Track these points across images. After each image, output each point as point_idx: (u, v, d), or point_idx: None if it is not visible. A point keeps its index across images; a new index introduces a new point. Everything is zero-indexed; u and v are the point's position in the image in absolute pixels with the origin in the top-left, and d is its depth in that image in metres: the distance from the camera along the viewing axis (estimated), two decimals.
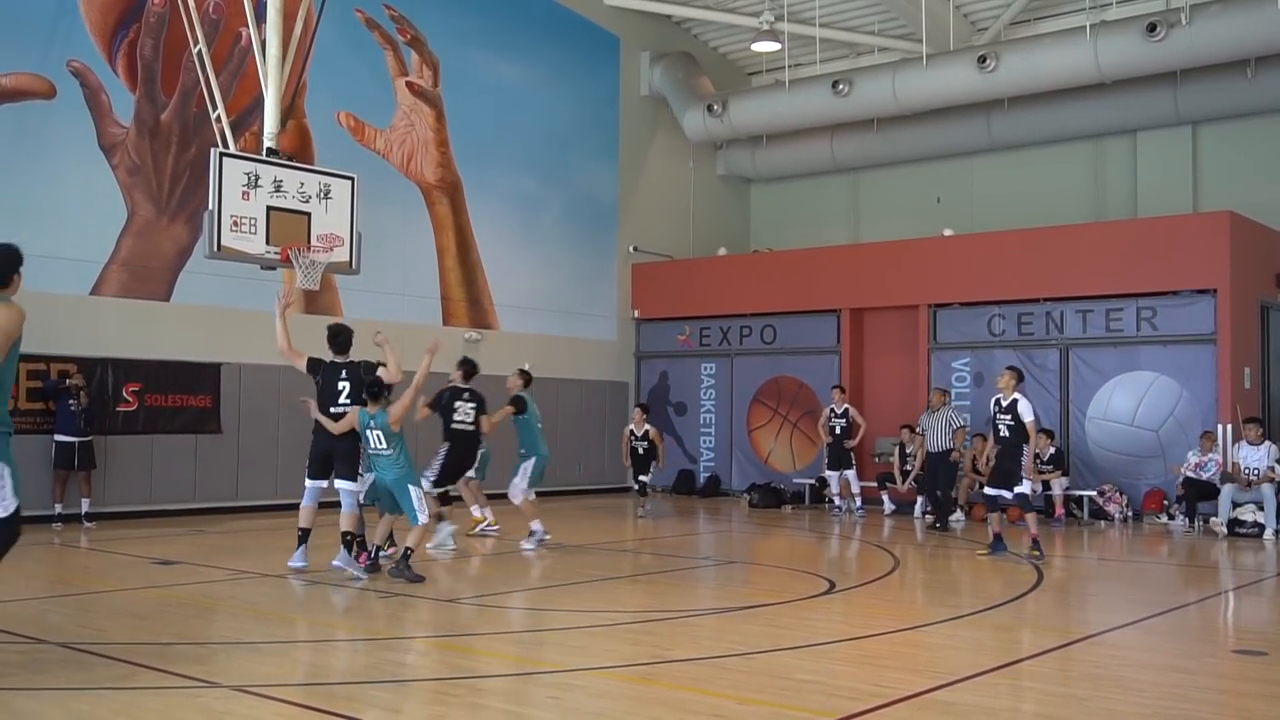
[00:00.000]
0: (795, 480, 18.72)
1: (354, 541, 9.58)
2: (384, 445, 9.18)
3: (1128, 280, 16.28)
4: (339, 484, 9.70)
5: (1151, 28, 16.54)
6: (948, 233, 18.73)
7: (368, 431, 9.24)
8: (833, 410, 17.16)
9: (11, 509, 5.57)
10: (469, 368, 12.03)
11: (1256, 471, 14.06)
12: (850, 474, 16.98)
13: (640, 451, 16.53)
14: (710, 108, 20.84)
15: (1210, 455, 14.75)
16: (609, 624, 7.94)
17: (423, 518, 9.19)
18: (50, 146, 13.84)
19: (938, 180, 21.32)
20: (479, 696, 5.89)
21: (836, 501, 17.08)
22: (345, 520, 9.59)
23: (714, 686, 5.97)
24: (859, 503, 16.70)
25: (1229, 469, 14.50)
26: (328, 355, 9.91)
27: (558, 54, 20.01)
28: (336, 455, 9.67)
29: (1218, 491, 14.39)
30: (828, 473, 17.23)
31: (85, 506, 13.45)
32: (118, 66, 14.49)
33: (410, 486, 9.21)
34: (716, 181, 23.33)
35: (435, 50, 17.99)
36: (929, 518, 15.67)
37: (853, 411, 17.05)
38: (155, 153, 14.77)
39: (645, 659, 6.80)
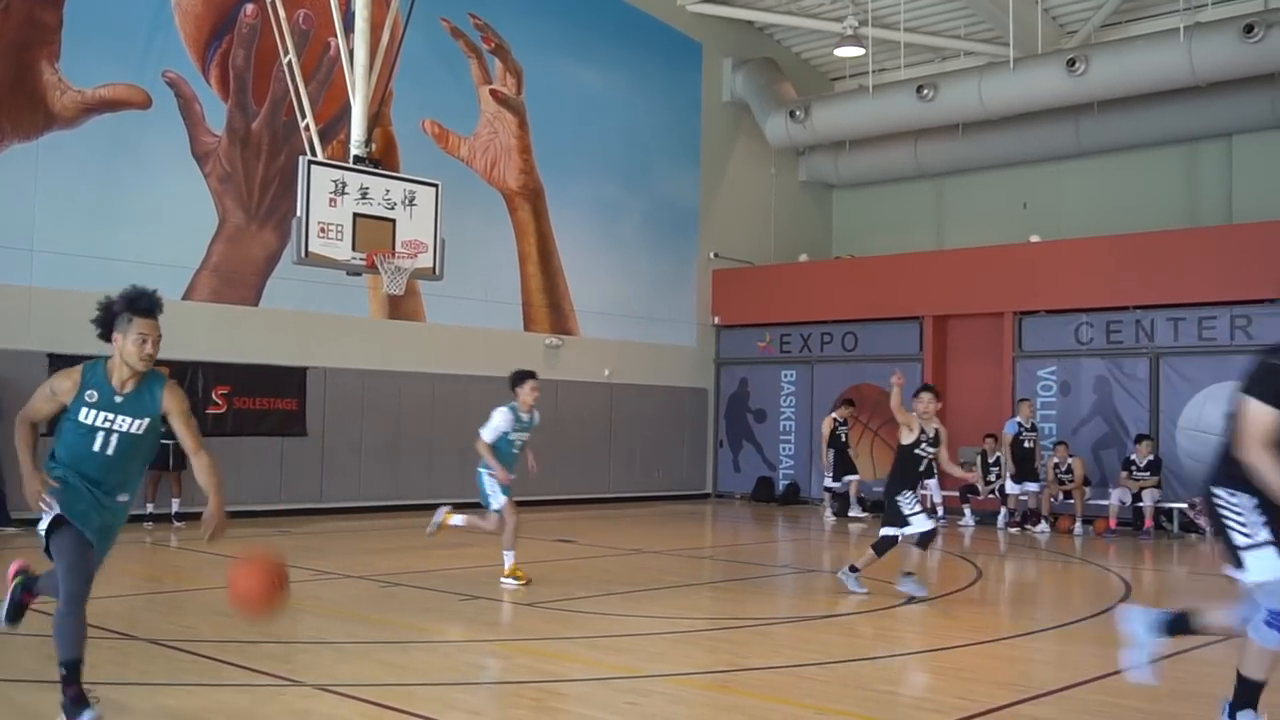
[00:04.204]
0: (875, 489, 18.49)
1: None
2: None
3: (1222, 287, 15.86)
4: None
5: (1249, 28, 16.09)
6: (1034, 239, 18.41)
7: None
8: None
9: None
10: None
11: None
12: (931, 484, 16.76)
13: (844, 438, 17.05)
14: (792, 113, 20.73)
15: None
16: (687, 630, 7.93)
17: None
18: (146, 155, 14.20)
19: (1024, 186, 20.97)
20: (557, 700, 5.92)
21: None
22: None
23: (792, 695, 5.93)
24: (940, 513, 16.49)
25: None
26: None
27: (640, 61, 20.06)
28: None
29: None
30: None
31: (176, 506, 13.77)
32: (211, 77, 14.83)
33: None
34: (798, 187, 23.21)
35: (519, 58, 18.15)
36: None
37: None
38: (246, 161, 15.09)
39: (723, 666, 6.77)
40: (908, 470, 9.47)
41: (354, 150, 12.35)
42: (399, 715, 5.28)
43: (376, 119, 12.94)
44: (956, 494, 16.78)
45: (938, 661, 7.04)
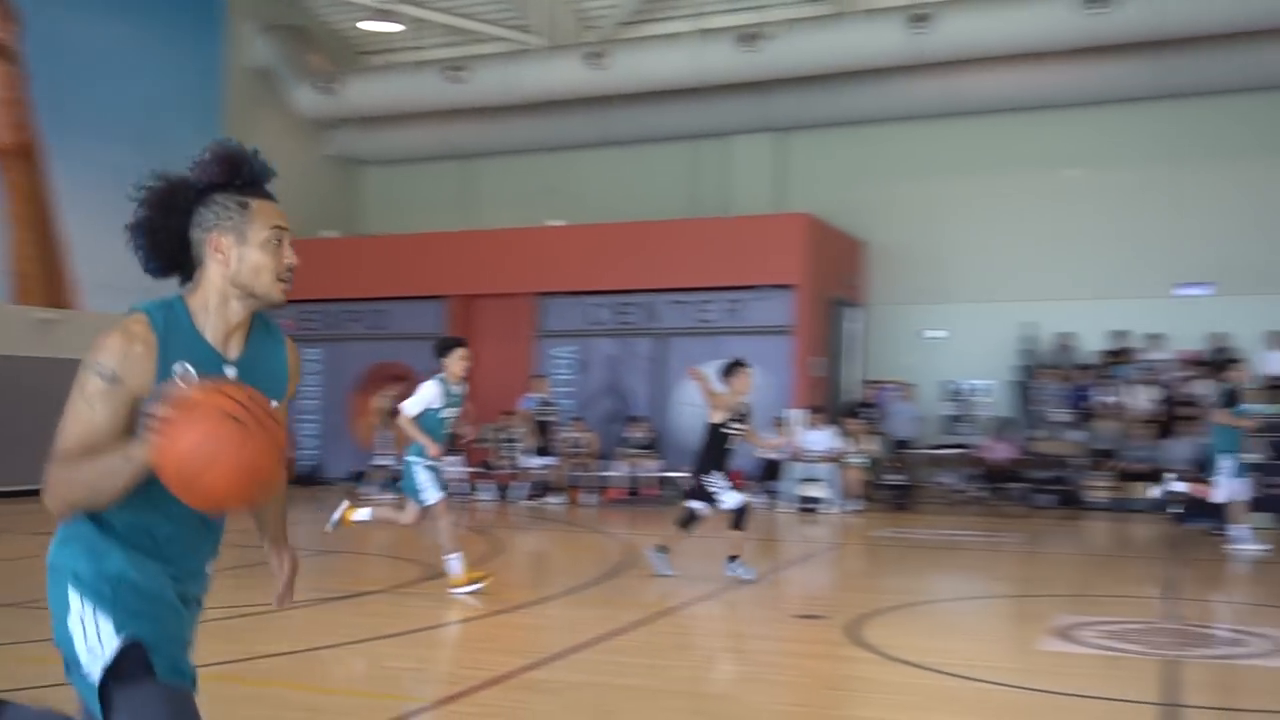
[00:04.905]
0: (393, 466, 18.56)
1: None
2: None
3: (717, 274, 17.36)
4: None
5: (745, 39, 17.69)
6: (553, 223, 19.19)
7: None
8: None
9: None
10: None
11: (818, 453, 15.69)
12: (456, 459, 17.11)
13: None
14: (321, 85, 20.25)
15: (785, 438, 16.13)
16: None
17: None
18: None
19: (550, 171, 21.72)
20: (58, 703, 5.49)
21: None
22: None
23: (307, 680, 5.89)
24: (468, 489, 16.90)
25: (795, 451, 16.03)
26: None
27: (158, 18, 18.69)
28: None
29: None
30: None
31: None
32: None
33: None
34: (327, 162, 22.69)
35: (20, 3, 16.37)
36: None
37: None
38: None
39: (231, 656, 6.58)
40: (716, 448, 9.38)
41: None
42: None
43: None
44: (477, 470, 17.23)
45: (454, 634, 7.26)
